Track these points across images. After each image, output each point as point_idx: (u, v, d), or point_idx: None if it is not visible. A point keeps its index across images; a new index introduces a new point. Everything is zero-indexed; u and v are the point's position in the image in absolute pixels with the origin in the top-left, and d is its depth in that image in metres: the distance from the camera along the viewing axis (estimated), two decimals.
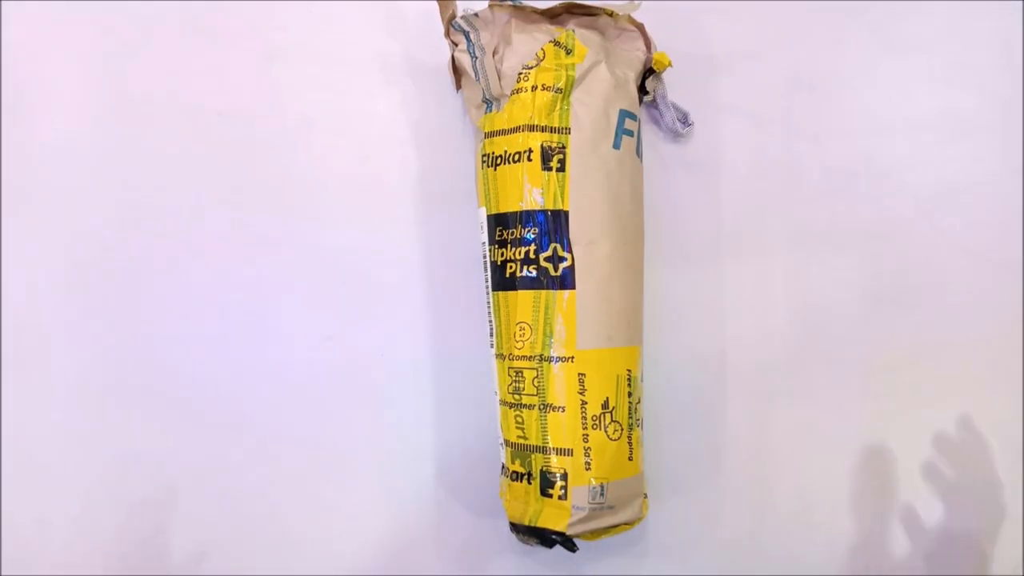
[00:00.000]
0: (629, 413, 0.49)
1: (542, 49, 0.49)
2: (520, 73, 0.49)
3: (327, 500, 0.55)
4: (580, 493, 0.48)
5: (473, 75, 0.51)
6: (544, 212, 0.48)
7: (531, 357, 0.49)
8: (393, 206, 0.57)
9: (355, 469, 0.56)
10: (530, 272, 0.49)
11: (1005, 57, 0.60)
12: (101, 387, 0.54)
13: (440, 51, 0.54)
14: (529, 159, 0.49)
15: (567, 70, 0.49)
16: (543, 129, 0.49)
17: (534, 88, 0.49)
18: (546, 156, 0.48)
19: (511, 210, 0.49)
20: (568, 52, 0.49)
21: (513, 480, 0.50)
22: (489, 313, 0.52)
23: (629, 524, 0.50)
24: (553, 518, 0.48)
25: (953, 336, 0.58)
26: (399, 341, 0.56)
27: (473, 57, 0.50)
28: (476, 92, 0.52)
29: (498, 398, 0.51)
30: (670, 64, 0.53)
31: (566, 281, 0.48)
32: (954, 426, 0.58)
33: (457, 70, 0.54)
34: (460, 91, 0.56)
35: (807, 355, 0.58)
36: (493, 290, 0.51)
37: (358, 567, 0.55)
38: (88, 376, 0.54)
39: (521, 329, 0.49)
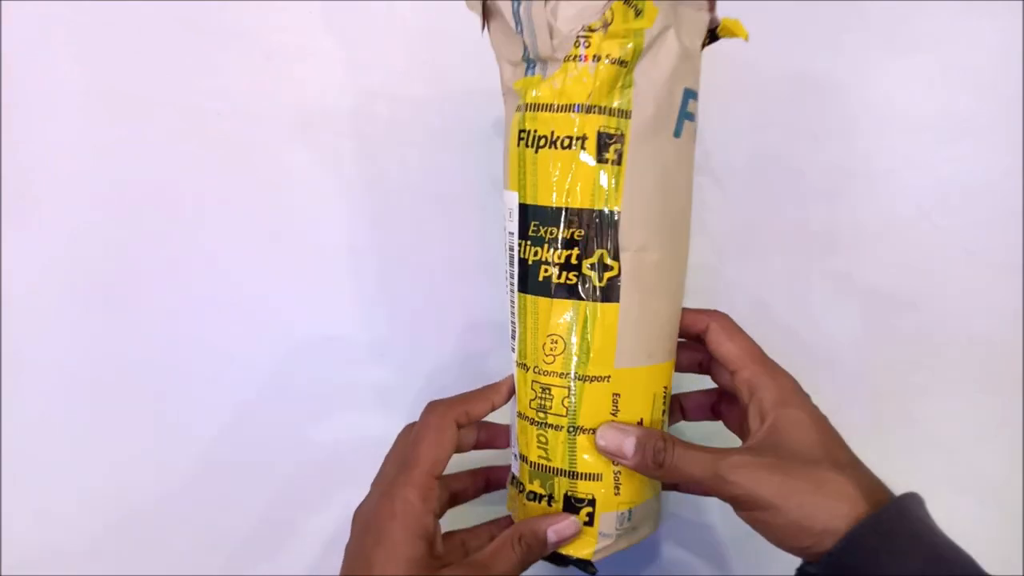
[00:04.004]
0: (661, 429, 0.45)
1: (610, 9, 0.38)
2: (580, 36, 0.38)
3: (326, 500, 0.55)
4: (608, 520, 0.43)
5: (513, 23, 0.39)
6: (592, 211, 0.40)
7: (562, 374, 0.42)
8: (393, 206, 0.57)
9: (355, 469, 0.55)
10: (570, 280, 0.41)
11: (1005, 57, 0.60)
12: (101, 387, 0.54)
13: (440, 51, 0.54)
14: (583, 147, 0.40)
15: (635, 36, 0.38)
16: (601, 111, 0.39)
17: (596, 58, 0.38)
18: (602, 145, 0.40)
19: (553, 204, 0.41)
20: (638, 13, 0.38)
21: (529, 500, 0.45)
22: (512, 315, 0.44)
23: (644, 537, 0.47)
24: (578, 544, 0.43)
25: (953, 336, 0.58)
26: (399, 341, 0.56)
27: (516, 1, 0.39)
28: (514, 45, 0.41)
29: (515, 409, 0.46)
30: (745, 36, 0.41)
31: (610, 293, 0.41)
32: (953, 426, 0.58)
33: (488, 8, 0.41)
34: (485, 32, 0.43)
35: (806, 355, 0.58)
36: (520, 291, 0.43)
37: None
38: (88, 376, 0.54)
39: (553, 342, 0.42)
